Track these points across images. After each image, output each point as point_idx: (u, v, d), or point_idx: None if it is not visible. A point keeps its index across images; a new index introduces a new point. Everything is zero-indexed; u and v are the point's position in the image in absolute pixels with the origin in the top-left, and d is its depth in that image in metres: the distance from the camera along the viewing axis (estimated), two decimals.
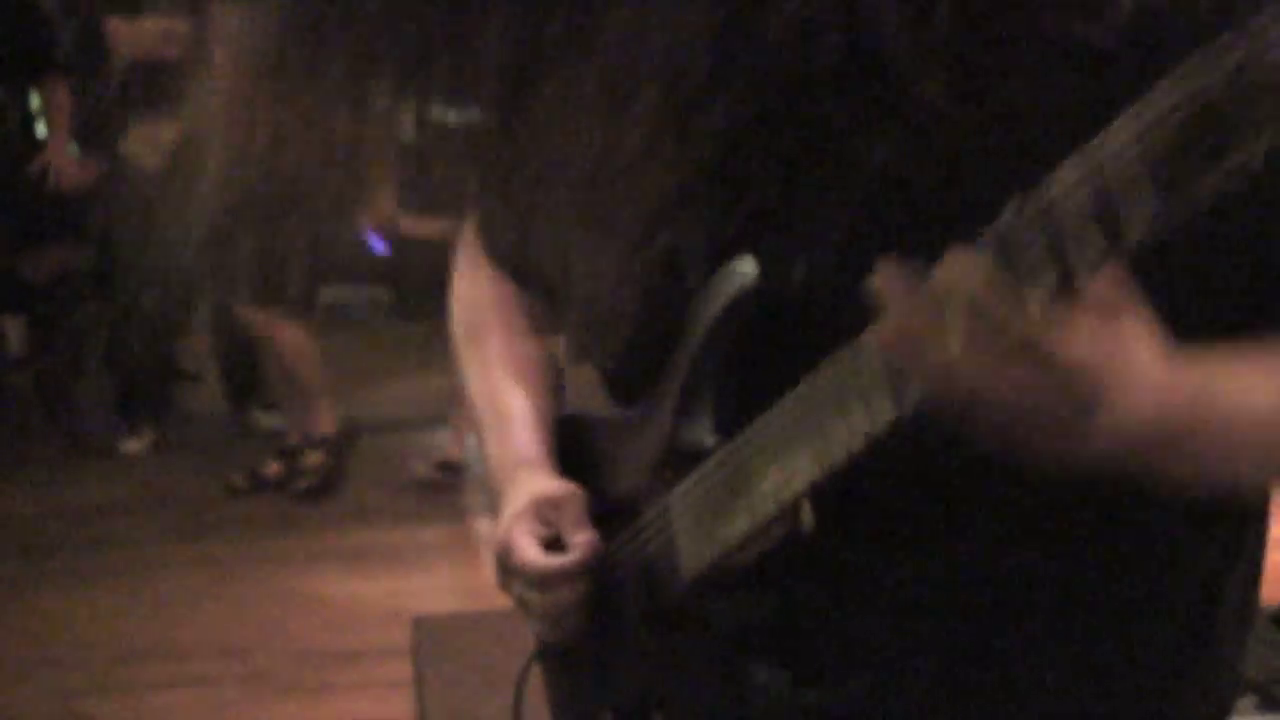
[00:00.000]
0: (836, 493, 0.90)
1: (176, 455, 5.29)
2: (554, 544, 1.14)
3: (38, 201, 5.16)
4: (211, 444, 5.30)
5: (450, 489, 4.79)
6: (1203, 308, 0.82)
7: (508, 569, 1.17)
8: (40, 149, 5.23)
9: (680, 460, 1.02)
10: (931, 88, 0.86)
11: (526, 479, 1.20)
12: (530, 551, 1.13)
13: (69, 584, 4.23)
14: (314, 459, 4.82)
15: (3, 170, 5.24)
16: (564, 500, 1.15)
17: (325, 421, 4.86)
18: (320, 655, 3.74)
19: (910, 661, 0.99)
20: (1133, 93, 0.66)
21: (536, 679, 1.35)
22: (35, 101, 5.46)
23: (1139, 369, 0.73)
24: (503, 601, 1.27)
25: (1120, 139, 0.65)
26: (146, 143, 4.94)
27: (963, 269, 0.71)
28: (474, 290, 1.36)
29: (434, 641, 3.72)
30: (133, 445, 5.26)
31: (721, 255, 0.96)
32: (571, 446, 1.24)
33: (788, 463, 0.89)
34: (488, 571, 1.29)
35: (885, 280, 0.74)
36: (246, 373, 5.35)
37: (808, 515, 0.93)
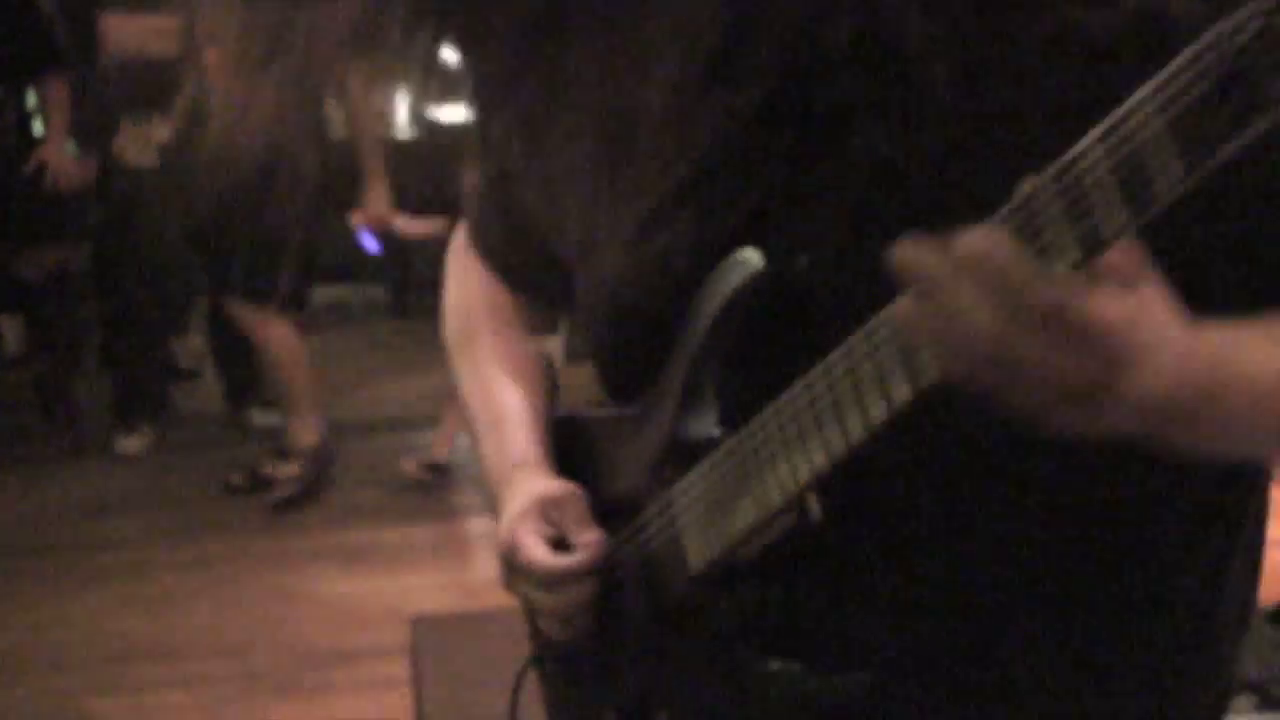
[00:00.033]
0: (841, 485, 0.90)
1: (174, 454, 5.29)
2: (559, 544, 1.14)
3: (35, 200, 5.16)
4: (209, 443, 5.30)
5: (448, 489, 4.80)
6: (1213, 281, 0.82)
7: (514, 568, 1.16)
8: (37, 147, 5.22)
9: (682, 455, 1.02)
10: (939, 72, 0.86)
11: (525, 479, 1.20)
12: (539, 551, 1.13)
13: (66, 583, 4.23)
14: (291, 470, 4.76)
15: (0, 169, 5.24)
16: (566, 500, 1.15)
17: (306, 433, 4.79)
18: (317, 654, 3.74)
19: (916, 652, 0.99)
20: (1136, 84, 0.66)
21: (532, 681, 1.34)
22: (32, 99, 5.45)
23: (1161, 334, 0.73)
24: (500, 600, 1.26)
25: (1144, 105, 0.66)
26: (138, 142, 4.94)
27: (985, 239, 0.71)
28: (466, 293, 1.36)
29: (432, 641, 3.72)
30: (130, 444, 5.26)
31: (722, 248, 0.96)
32: (568, 447, 1.24)
33: (797, 452, 0.89)
34: (486, 570, 1.29)
35: (907, 254, 0.74)
36: (244, 371, 5.35)
37: (815, 506, 0.93)
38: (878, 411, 0.82)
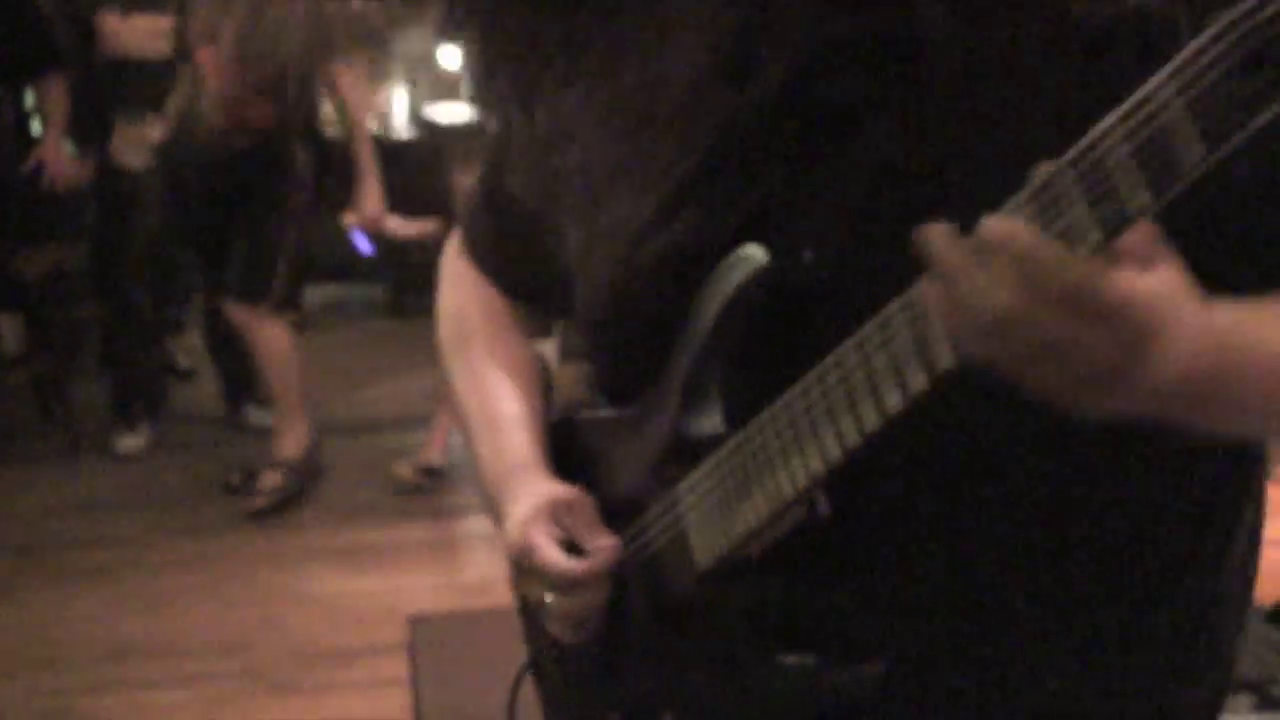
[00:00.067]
0: (845, 479, 0.90)
1: (172, 453, 5.28)
2: (569, 548, 1.14)
3: (33, 200, 5.15)
4: (207, 442, 5.29)
5: (445, 488, 4.80)
6: (1224, 262, 0.82)
7: (527, 571, 1.16)
8: (35, 147, 5.22)
9: (686, 453, 1.02)
10: (945, 69, 0.86)
11: (527, 481, 1.20)
12: (555, 554, 1.12)
13: (64, 581, 4.23)
14: (272, 480, 4.70)
15: None
16: (576, 504, 1.15)
17: (291, 443, 4.75)
18: (316, 653, 3.74)
19: (925, 642, 0.99)
20: (1137, 81, 0.67)
21: (529, 683, 1.34)
22: (30, 99, 5.45)
23: (1179, 310, 0.74)
24: (497, 599, 1.26)
25: (1164, 87, 0.66)
26: (131, 143, 4.93)
27: (1007, 223, 0.72)
28: (460, 298, 1.36)
29: (429, 639, 3.72)
30: (128, 443, 5.25)
31: (726, 245, 0.96)
32: (565, 450, 1.23)
33: (811, 443, 0.89)
34: (484, 570, 1.29)
35: (931, 237, 0.74)
36: (240, 370, 5.34)
37: (822, 500, 0.93)
38: (894, 400, 0.82)
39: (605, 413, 1.17)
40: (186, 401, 5.88)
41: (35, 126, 5.47)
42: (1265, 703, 2.84)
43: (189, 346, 6.14)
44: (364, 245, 5.19)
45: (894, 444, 0.85)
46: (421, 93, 7.77)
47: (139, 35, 4.88)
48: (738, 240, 0.95)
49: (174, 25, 4.71)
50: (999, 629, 0.99)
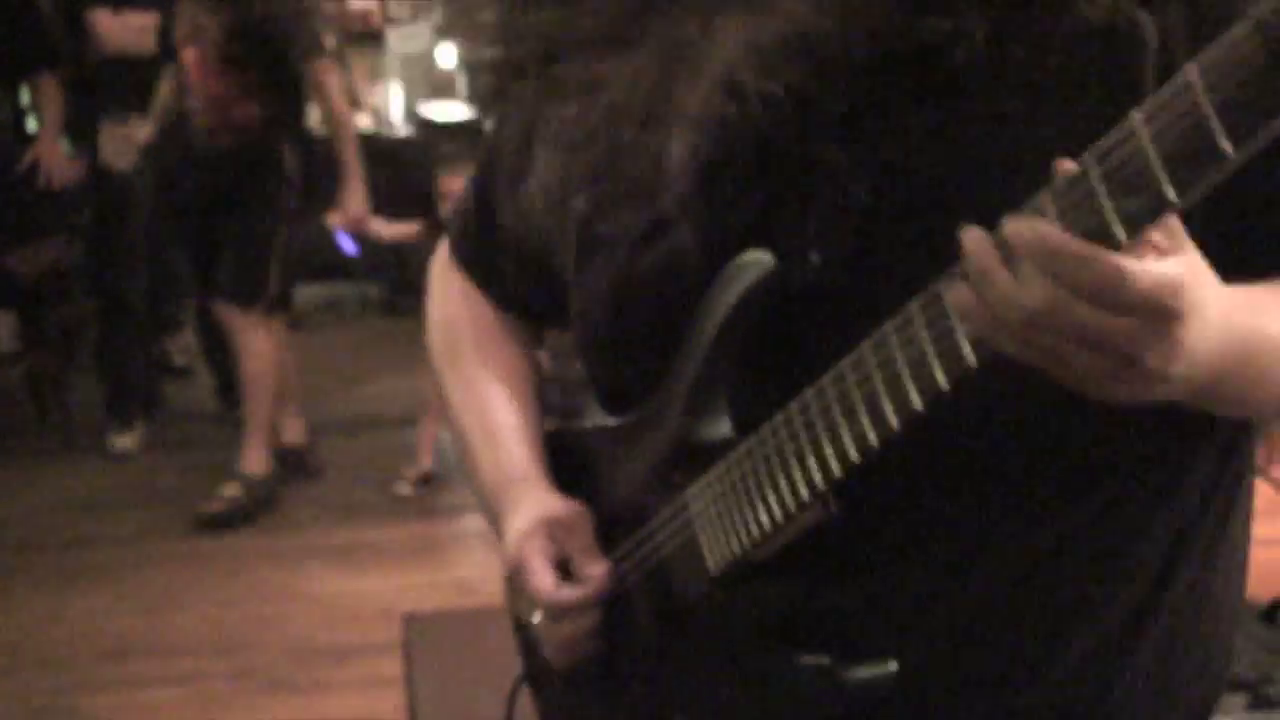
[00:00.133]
0: (854, 479, 0.90)
1: (167, 451, 5.28)
2: (565, 564, 1.14)
3: (29, 197, 5.15)
4: (203, 440, 5.29)
5: (440, 487, 4.80)
6: (1238, 252, 0.83)
7: (520, 590, 1.16)
8: (31, 144, 5.22)
9: (694, 458, 1.02)
10: (951, 73, 0.86)
11: (527, 495, 1.20)
12: (546, 580, 1.13)
13: (58, 579, 4.23)
14: (230, 490, 4.63)
15: None
16: (572, 522, 1.15)
17: (256, 461, 4.70)
18: (310, 652, 3.74)
19: (938, 639, 0.99)
20: (1157, 77, 0.67)
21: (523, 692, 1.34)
22: (26, 96, 5.45)
23: (1204, 296, 0.75)
24: (492, 598, 1.26)
25: (1191, 85, 0.67)
26: (117, 143, 4.92)
27: (1031, 221, 0.73)
28: (450, 309, 1.35)
29: (424, 638, 3.72)
30: (123, 441, 5.25)
31: (731, 249, 0.96)
32: (564, 460, 1.23)
33: (827, 445, 0.89)
34: (478, 568, 1.29)
35: (967, 238, 0.75)
36: (235, 369, 5.33)
37: (833, 500, 0.93)
38: (915, 400, 0.82)
39: (602, 421, 1.17)
40: (182, 399, 5.89)
41: (31, 124, 5.47)
42: (1258, 702, 2.84)
43: (185, 345, 6.13)
44: (348, 246, 5.18)
45: (899, 444, 0.85)
46: (417, 91, 7.78)
47: (131, 31, 4.87)
48: (745, 242, 0.96)
49: (158, 24, 4.70)
50: (1001, 628, 0.99)
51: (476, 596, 3.82)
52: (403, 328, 6.65)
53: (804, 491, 0.92)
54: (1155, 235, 0.72)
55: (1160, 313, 0.72)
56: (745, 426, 0.98)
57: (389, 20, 7.91)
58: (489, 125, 1.23)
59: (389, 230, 4.83)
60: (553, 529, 1.15)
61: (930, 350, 0.80)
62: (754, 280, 0.95)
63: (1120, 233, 0.70)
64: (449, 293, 1.35)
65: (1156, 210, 0.69)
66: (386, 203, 4.96)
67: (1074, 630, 0.99)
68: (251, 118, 4.49)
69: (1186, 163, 0.67)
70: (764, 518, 0.95)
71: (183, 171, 4.69)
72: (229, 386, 5.46)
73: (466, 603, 3.87)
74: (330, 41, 4.82)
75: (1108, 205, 0.70)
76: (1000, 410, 0.88)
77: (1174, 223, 0.72)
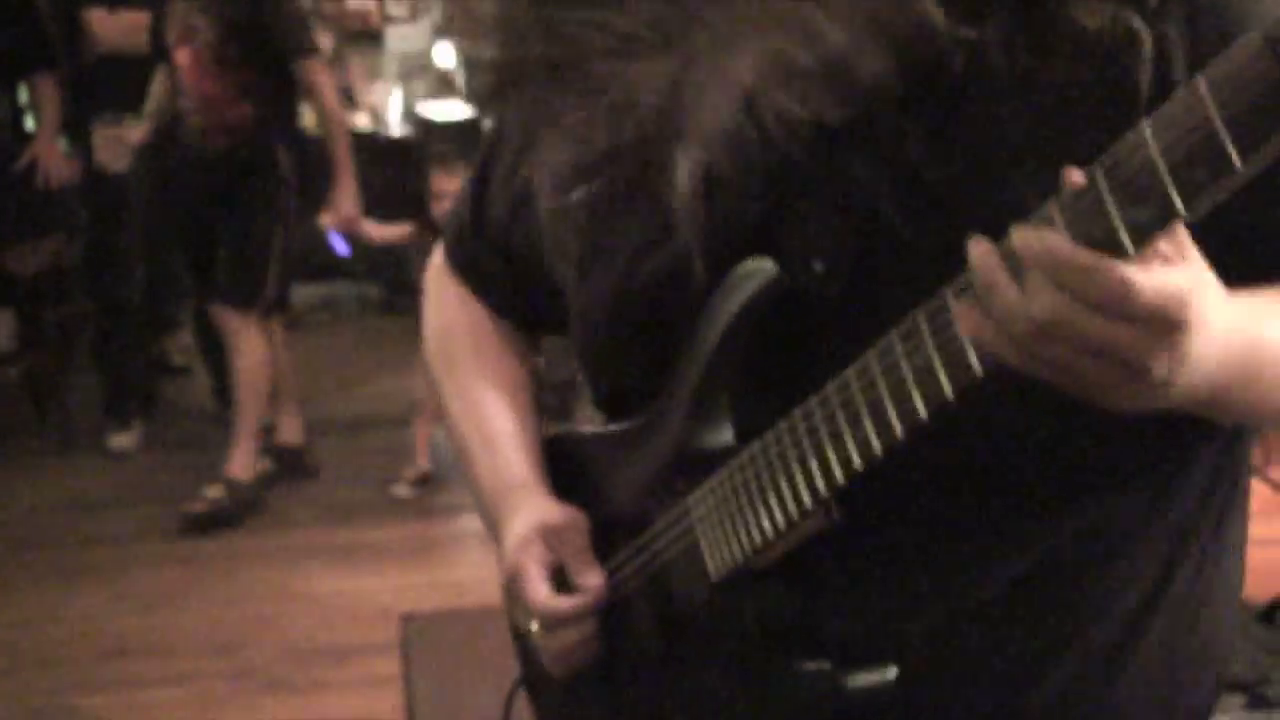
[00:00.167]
0: (854, 485, 0.90)
1: (165, 451, 5.28)
2: (561, 572, 1.14)
3: (27, 196, 5.15)
4: (200, 439, 5.28)
5: (438, 487, 4.79)
6: (1240, 256, 0.83)
7: (515, 597, 1.16)
8: (29, 143, 5.21)
9: (696, 465, 1.02)
10: (958, 80, 0.86)
11: (524, 502, 1.20)
12: (541, 590, 1.13)
13: (57, 579, 4.23)
14: (214, 492, 4.60)
15: None
16: (568, 530, 1.15)
17: (240, 464, 4.67)
18: (308, 652, 3.74)
19: (939, 642, 0.99)
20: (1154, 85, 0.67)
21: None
22: (24, 95, 5.44)
23: (1209, 304, 0.75)
24: (489, 598, 1.26)
25: (1201, 99, 0.67)
26: (110, 145, 4.91)
27: (1039, 231, 0.73)
28: (446, 316, 1.35)
29: (422, 638, 3.73)
30: (121, 440, 5.25)
31: (734, 255, 0.96)
32: (562, 466, 1.23)
33: (832, 451, 0.89)
34: (476, 568, 1.29)
35: (974, 251, 0.76)
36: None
37: (835, 507, 0.93)
38: (920, 409, 0.82)
39: (601, 427, 1.17)
40: (181, 399, 5.88)
41: (29, 123, 5.46)
42: (1256, 702, 2.85)
43: (183, 344, 6.13)
44: (340, 247, 5.17)
45: (900, 450, 0.85)
46: (416, 90, 7.77)
47: (127, 30, 4.87)
48: (748, 248, 0.96)
49: (150, 24, 4.69)
50: (1000, 633, 0.99)
51: (474, 597, 3.82)
52: (401, 327, 6.65)
53: (807, 498, 0.92)
54: (1162, 245, 0.72)
55: (1166, 323, 0.73)
56: (747, 433, 0.98)
57: (387, 19, 7.90)
58: (488, 125, 1.22)
59: (380, 232, 4.82)
60: (550, 536, 1.15)
61: (937, 359, 0.80)
62: (757, 288, 0.95)
63: (1128, 243, 0.70)
64: (445, 298, 1.35)
65: (1164, 221, 0.70)
66: (385, 202, 4.95)
67: (1073, 634, 1.00)
68: (245, 118, 4.48)
69: (1195, 175, 0.67)
70: (766, 524, 0.95)
71: (178, 172, 4.68)
72: (227, 386, 5.46)
73: (464, 603, 3.87)
74: (326, 42, 4.81)
75: (1116, 216, 0.70)
76: (1000, 415, 0.88)
77: (1181, 233, 0.73)
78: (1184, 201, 0.68)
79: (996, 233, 0.76)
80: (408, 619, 3.84)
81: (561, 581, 1.14)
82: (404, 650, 3.67)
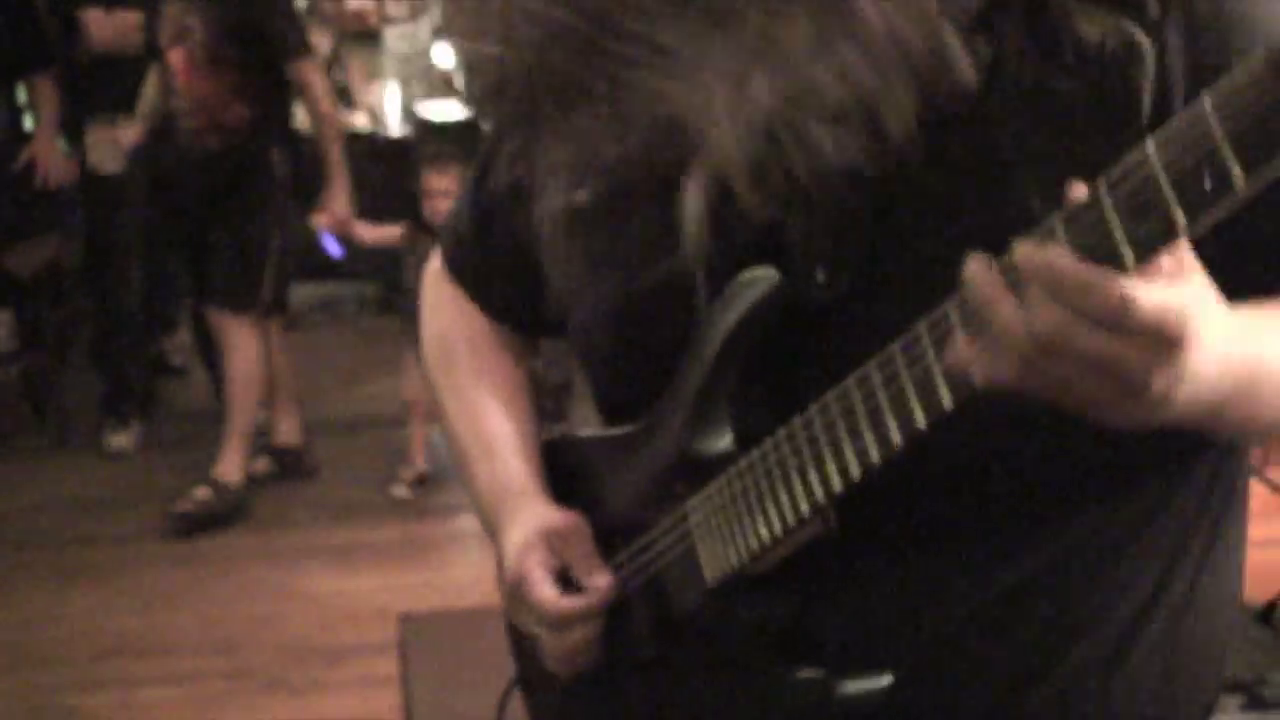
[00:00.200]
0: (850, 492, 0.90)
1: (163, 450, 5.27)
2: (564, 575, 1.14)
3: (25, 195, 5.15)
4: (198, 439, 5.28)
5: (436, 487, 4.79)
6: (1240, 269, 0.83)
7: (520, 602, 1.16)
8: (28, 143, 5.21)
9: (695, 471, 1.02)
10: (964, 86, 0.86)
11: (524, 507, 1.20)
12: (547, 591, 1.13)
13: (54, 579, 4.23)
14: (202, 493, 4.59)
15: None
16: (571, 533, 1.15)
17: (230, 467, 4.66)
18: (307, 651, 3.74)
19: (933, 649, 0.99)
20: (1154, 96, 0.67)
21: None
22: (23, 95, 5.44)
23: (1210, 319, 0.76)
24: (487, 598, 1.26)
25: (1206, 115, 0.67)
26: (104, 145, 4.90)
27: (1041, 247, 0.73)
28: (443, 321, 1.35)
29: (420, 638, 3.72)
30: (119, 440, 5.24)
31: (736, 264, 0.96)
32: (562, 470, 1.23)
33: (830, 461, 0.90)
34: (474, 568, 1.29)
35: (971, 268, 0.76)
36: None
37: (831, 515, 0.93)
38: (919, 419, 0.83)
39: (601, 431, 1.17)
40: (179, 399, 5.88)
41: (28, 122, 5.46)
42: (1254, 703, 2.85)
43: (181, 344, 6.12)
44: (333, 248, 5.16)
45: (898, 459, 0.86)
46: (415, 90, 7.77)
47: (123, 30, 4.86)
48: (750, 257, 0.96)
49: (143, 24, 4.69)
50: (998, 639, 0.99)
51: (472, 597, 3.82)
52: (399, 327, 6.66)
53: (804, 506, 0.92)
54: (1164, 261, 0.72)
55: (1166, 339, 0.73)
56: (747, 441, 0.98)
57: (386, 19, 7.90)
58: (486, 126, 1.22)
59: (372, 233, 4.81)
60: (552, 540, 1.15)
61: (936, 370, 0.81)
62: (760, 296, 0.95)
63: (1129, 258, 0.71)
64: (442, 302, 1.35)
65: (1167, 237, 0.70)
66: (383, 202, 4.94)
67: (1072, 638, 1.00)
68: (240, 119, 4.47)
69: (1198, 191, 0.68)
70: (763, 531, 0.96)
71: (172, 173, 4.68)
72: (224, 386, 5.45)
73: (462, 603, 3.87)
74: (325, 41, 4.80)
75: (1118, 230, 0.71)
76: (998, 424, 0.88)
77: (1182, 249, 0.73)
78: (1187, 218, 0.68)
79: (999, 243, 0.76)
80: (406, 619, 3.84)
81: (566, 585, 1.14)
82: (402, 650, 3.67)
